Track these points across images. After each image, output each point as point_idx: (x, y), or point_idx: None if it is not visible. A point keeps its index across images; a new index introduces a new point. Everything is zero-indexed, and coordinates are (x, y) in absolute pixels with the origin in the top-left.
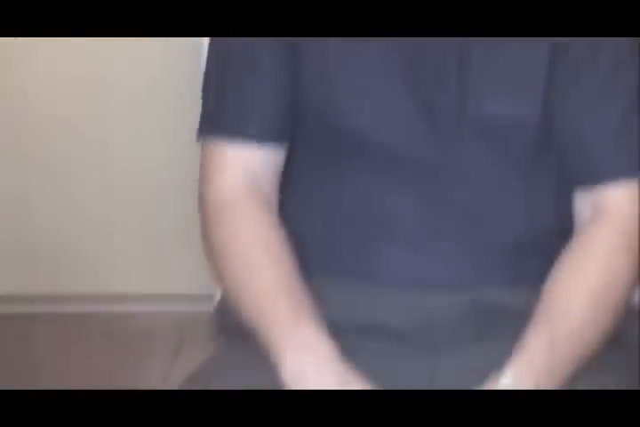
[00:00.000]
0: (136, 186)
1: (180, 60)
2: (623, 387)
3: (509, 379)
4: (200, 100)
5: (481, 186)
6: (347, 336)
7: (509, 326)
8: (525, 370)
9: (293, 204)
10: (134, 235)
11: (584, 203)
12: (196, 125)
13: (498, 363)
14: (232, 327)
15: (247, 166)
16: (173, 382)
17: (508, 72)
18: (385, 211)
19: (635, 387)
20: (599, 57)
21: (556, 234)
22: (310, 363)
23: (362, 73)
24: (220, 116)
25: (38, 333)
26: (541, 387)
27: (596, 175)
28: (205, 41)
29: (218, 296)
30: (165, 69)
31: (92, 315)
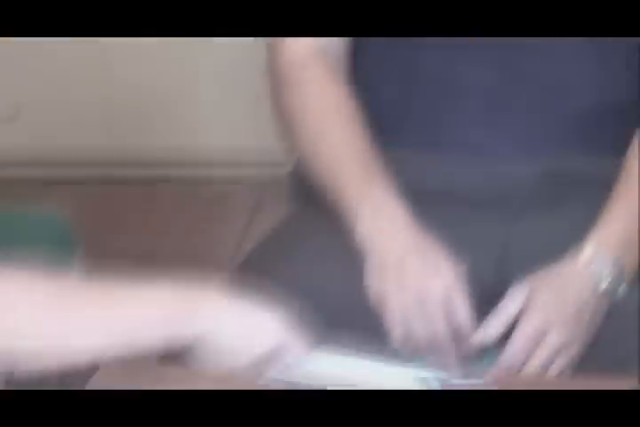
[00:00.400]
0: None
1: None
2: None
3: (590, 250)
4: None
5: (553, 57)
6: (419, 203)
7: (582, 196)
8: (606, 242)
9: (366, 72)
10: (212, 100)
11: None
12: None
13: (571, 231)
14: (307, 191)
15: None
16: (248, 244)
17: None
18: (457, 82)
19: None
20: None
21: (629, 107)
22: (384, 226)
23: None
24: None
25: (120, 195)
26: (620, 260)
27: None
28: None
29: (292, 161)
30: None
31: (172, 178)
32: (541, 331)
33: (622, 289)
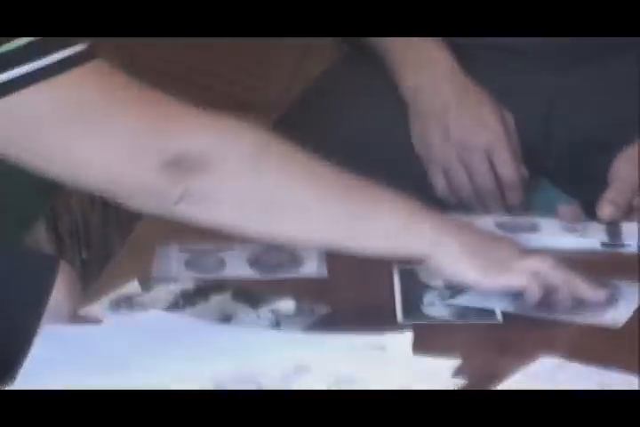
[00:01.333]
0: None
1: None
2: None
3: None
4: None
5: None
6: (465, 53)
7: (634, 50)
8: None
9: None
10: None
11: None
12: None
13: (620, 87)
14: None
15: None
16: (297, 88)
17: None
18: None
19: None
20: None
21: None
22: (429, 75)
23: None
24: None
25: None
26: None
27: None
28: None
29: None
30: None
31: None
32: None
33: None
